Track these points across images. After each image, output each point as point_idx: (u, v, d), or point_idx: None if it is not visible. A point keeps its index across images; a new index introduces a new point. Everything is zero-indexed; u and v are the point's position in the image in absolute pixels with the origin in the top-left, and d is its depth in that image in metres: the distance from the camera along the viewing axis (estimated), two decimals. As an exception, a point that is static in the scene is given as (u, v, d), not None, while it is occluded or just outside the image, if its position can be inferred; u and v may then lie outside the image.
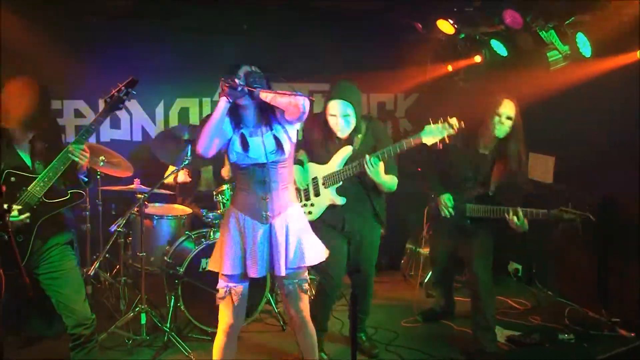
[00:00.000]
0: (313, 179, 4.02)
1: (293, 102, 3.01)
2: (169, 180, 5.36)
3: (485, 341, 4.21)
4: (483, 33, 5.50)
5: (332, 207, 3.98)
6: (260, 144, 3.13)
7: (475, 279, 4.24)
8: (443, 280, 4.93)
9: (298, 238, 3.26)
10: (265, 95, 3.02)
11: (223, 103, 3.03)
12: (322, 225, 3.91)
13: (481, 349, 4.20)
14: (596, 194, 4.86)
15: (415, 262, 5.87)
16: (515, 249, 5.97)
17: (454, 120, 3.57)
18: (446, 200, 4.27)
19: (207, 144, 3.06)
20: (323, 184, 3.95)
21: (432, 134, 3.60)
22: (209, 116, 5.85)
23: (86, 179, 3.42)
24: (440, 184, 4.39)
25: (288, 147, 3.20)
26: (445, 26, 5.58)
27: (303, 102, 3.00)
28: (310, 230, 3.37)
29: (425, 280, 5.60)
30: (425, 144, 3.64)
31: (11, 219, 3.06)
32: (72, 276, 3.45)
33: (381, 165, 3.75)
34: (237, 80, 2.97)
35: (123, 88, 3.33)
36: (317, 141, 3.98)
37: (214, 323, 4.41)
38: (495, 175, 4.20)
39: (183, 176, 5.40)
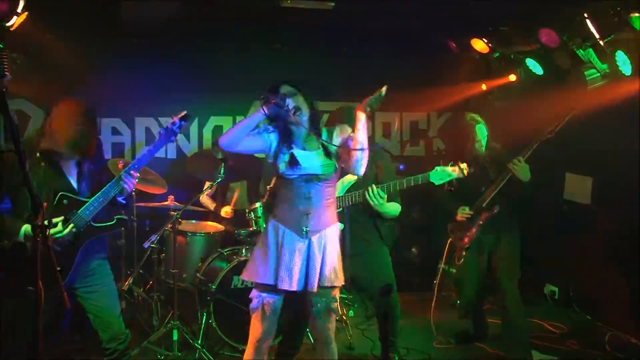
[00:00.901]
0: None
1: (354, 157, 3.16)
2: (206, 202, 5.43)
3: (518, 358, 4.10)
4: (518, 52, 5.44)
5: None
6: (310, 157, 3.21)
7: (502, 293, 4.23)
8: (474, 302, 4.81)
9: (334, 257, 3.27)
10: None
11: (260, 114, 3.13)
12: None
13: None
14: (636, 214, 4.70)
15: (449, 282, 5.75)
16: (552, 270, 5.83)
17: (464, 166, 3.66)
18: (466, 210, 4.32)
19: (230, 141, 3.18)
20: None
21: (441, 176, 3.68)
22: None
23: (124, 202, 3.45)
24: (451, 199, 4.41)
25: (335, 165, 3.26)
26: (480, 45, 5.54)
27: (358, 164, 3.17)
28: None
29: (458, 302, 5.49)
30: (432, 183, 3.71)
31: (59, 235, 3.12)
32: (109, 291, 3.47)
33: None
34: (285, 100, 3.13)
35: (177, 121, 3.37)
36: None
37: (245, 340, 4.42)
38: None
39: (225, 213, 5.47)
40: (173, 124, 3.36)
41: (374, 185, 3.70)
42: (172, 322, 4.47)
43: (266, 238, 3.28)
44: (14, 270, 3.18)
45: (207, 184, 5.35)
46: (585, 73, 4.77)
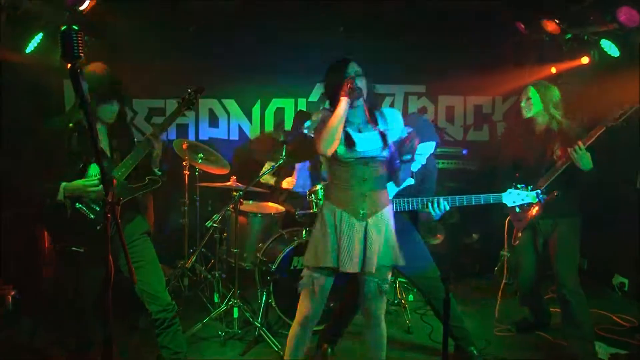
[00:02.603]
0: None
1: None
2: (268, 179, 5.45)
3: (580, 352, 3.95)
4: (592, 33, 5.14)
5: None
6: (368, 139, 3.16)
7: (558, 282, 4.06)
8: (530, 290, 4.62)
9: (391, 238, 3.23)
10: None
11: (345, 104, 3.06)
12: None
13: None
14: None
15: (510, 269, 5.59)
16: (621, 261, 5.58)
17: (539, 192, 3.58)
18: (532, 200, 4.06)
19: (329, 143, 3.07)
20: None
21: (513, 198, 3.60)
22: (302, 111, 5.92)
23: (159, 173, 3.54)
24: (511, 179, 4.16)
25: (390, 147, 3.19)
26: (551, 26, 5.28)
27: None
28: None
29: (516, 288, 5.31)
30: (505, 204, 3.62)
31: (95, 189, 3.25)
32: (155, 265, 3.57)
33: None
34: (357, 84, 3.06)
35: (192, 92, 3.57)
36: None
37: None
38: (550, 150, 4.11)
39: (287, 183, 5.54)
40: (189, 94, 3.55)
41: (440, 198, 3.57)
42: (233, 300, 4.56)
43: (324, 222, 3.23)
44: (57, 229, 3.36)
45: (268, 164, 5.38)
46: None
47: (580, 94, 5.62)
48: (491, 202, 3.54)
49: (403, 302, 4.99)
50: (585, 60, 5.53)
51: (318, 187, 4.73)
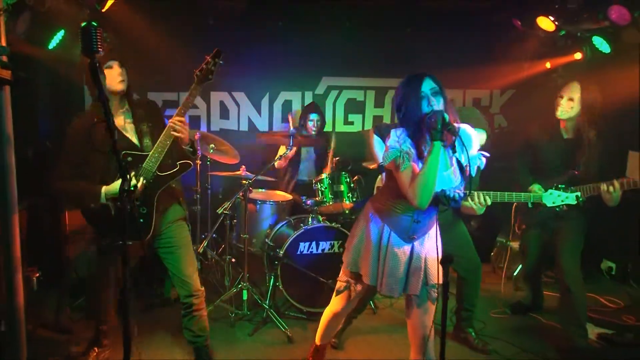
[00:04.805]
0: None
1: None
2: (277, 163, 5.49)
3: (575, 336, 4.01)
4: (585, 29, 5.17)
5: None
6: (444, 180, 2.77)
7: (563, 272, 4.06)
8: (533, 274, 4.73)
9: (434, 258, 2.93)
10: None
11: (439, 150, 2.63)
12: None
13: (572, 344, 3.99)
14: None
15: (505, 255, 5.67)
16: (610, 246, 5.66)
17: (579, 195, 3.27)
18: (537, 190, 4.04)
19: (429, 197, 2.67)
20: None
21: (554, 199, 3.34)
22: (312, 102, 5.90)
23: (191, 149, 3.42)
24: (529, 175, 4.19)
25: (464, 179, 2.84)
26: (546, 23, 5.31)
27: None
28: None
29: (515, 274, 5.42)
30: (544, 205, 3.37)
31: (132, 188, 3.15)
32: (187, 250, 3.50)
33: None
34: (447, 120, 2.61)
35: (210, 60, 3.37)
36: None
37: (310, 303, 4.53)
38: (578, 157, 3.96)
39: (283, 150, 5.52)
40: (207, 63, 3.35)
41: (481, 193, 3.00)
42: (242, 283, 4.58)
43: (370, 236, 2.96)
44: (104, 227, 3.32)
45: (282, 148, 5.41)
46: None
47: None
48: (531, 201, 3.32)
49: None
50: (578, 55, 5.57)
51: (324, 175, 4.83)
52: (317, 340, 3.58)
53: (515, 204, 4.44)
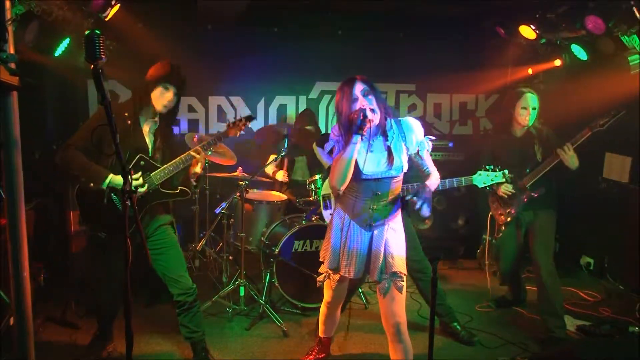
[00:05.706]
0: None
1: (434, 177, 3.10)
2: (268, 170, 5.57)
3: (553, 327, 4.13)
4: (564, 38, 5.29)
5: None
6: (376, 160, 3.01)
7: (538, 267, 4.20)
8: (510, 273, 4.80)
9: (398, 247, 3.09)
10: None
11: (359, 142, 2.90)
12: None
13: (551, 335, 4.12)
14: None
15: (490, 251, 5.78)
16: (588, 243, 5.78)
17: (506, 172, 3.56)
18: (503, 189, 4.22)
19: (343, 180, 2.95)
20: None
21: (484, 180, 3.60)
22: (307, 109, 5.98)
23: (195, 184, 3.53)
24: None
25: (403, 164, 3.04)
26: (527, 31, 5.43)
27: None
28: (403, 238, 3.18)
29: (497, 270, 5.52)
30: (476, 185, 3.62)
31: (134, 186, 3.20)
32: (174, 252, 3.55)
33: None
34: (366, 115, 2.86)
35: (243, 119, 3.68)
36: None
37: (304, 299, 4.61)
38: (532, 153, 4.21)
39: (282, 176, 5.58)
40: (240, 120, 3.66)
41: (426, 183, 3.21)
42: (239, 280, 4.63)
43: (333, 225, 3.18)
44: (88, 211, 3.36)
45: (272, 156, 5.44)
46: (629, 59, 4.67)
47: (554, 93, 5.82)
48: (463, 184, 3.52)
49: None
50: (557, 62, 5.71)
51: (317, 176, 4.86)
52: (320, 333, 3.70)
53: (489, 214, 4.60)
